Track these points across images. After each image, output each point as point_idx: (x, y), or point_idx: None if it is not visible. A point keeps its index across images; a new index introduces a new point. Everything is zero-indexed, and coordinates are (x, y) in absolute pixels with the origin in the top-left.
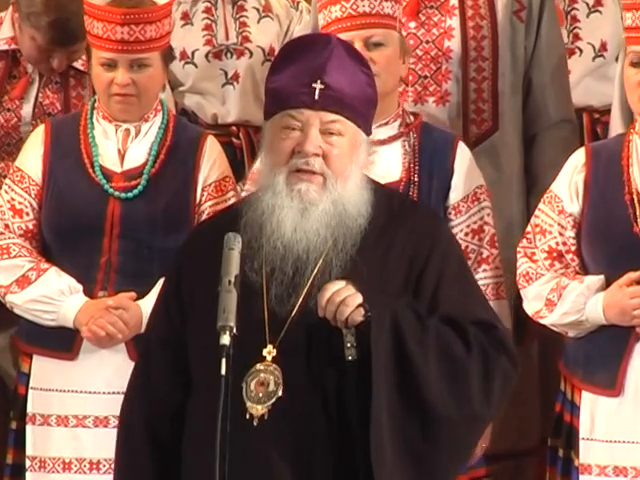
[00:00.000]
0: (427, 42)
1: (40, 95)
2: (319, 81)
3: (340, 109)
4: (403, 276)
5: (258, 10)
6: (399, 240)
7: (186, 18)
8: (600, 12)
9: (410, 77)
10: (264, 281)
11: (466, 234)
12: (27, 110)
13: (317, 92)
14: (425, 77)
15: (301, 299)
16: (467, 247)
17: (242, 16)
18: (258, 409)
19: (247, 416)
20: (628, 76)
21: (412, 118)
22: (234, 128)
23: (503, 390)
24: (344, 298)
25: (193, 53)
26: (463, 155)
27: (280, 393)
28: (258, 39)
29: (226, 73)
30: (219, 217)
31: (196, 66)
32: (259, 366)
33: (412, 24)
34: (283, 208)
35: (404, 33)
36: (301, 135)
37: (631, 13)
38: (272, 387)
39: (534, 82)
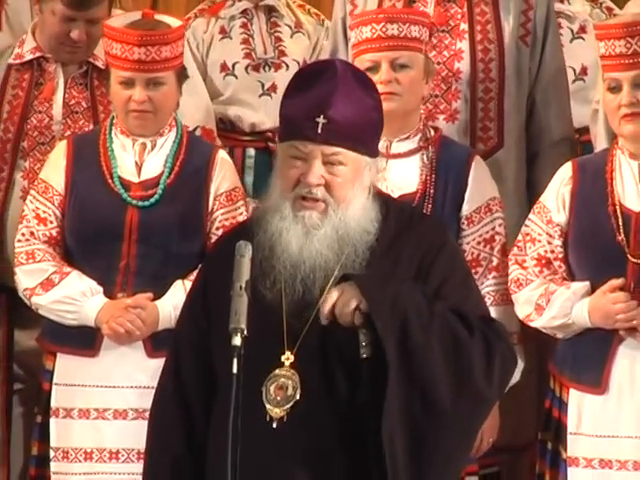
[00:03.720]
0: (438, 63)
1: (66, 96)
2: (322, 116)
3: (342, 142)
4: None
5: (290, 26)
6: (407, 250)
7: (224, 32)
8: (583, 39)
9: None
10: (278, 298)
11: (478, 243)
12: (57, 110)
13: (320, 126)
14: (436, 96)
15: (314, 313)
16: (479, 255)
17: (276, 31)
18: (277, 412)
19: (267, 418)
20: (607, 101)
21: (432, 132)
22: (270, 134)
23: (503, 374)
24: (341, 307)
25: (234, 65)
26: (478, 168)
27: (298, 396)
28: (293, 53)
29: (263, 84)
30: (236, 231)
31: (236, 77)
32: (278, 371)
33: None
34: (289, 231)
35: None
36: (305, 166)
37: (604, 42)
38: (290, 391)
39: (537, 103)
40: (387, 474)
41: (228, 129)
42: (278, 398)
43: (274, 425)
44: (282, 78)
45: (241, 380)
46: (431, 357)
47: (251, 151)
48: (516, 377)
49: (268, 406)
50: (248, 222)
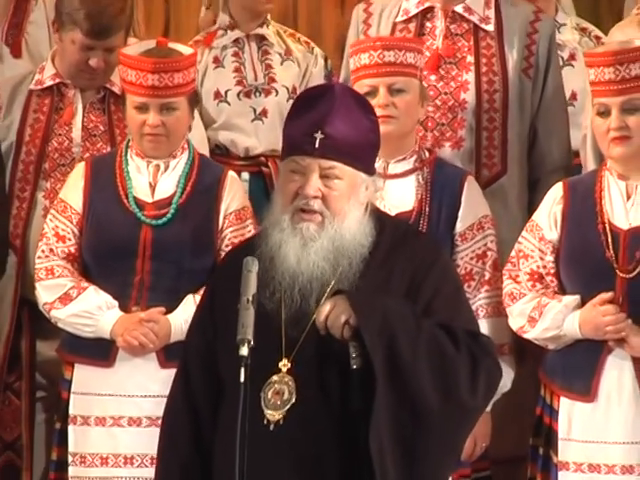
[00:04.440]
0: (445, 93)
1: (85, 120)
2: (320, 131)
3: (338, 156)
4: (404, 295)
5: (280, 54)
6: (401, 264)
7: (217, 62)
8: (573, 65)
9: (429, 124)
10: (277, 307)
11: (471, 258)
12: (76, 133)
13: (317, 141)
14: (442, 124)
15: (310, 322)
16: (472, 270)
17: (267, 59)
18: (274, 415)
19: (265, 422)
20: (597, 125)
21: (427, 154)
22: (263, 158)
23: (488, 386)
24: (332, 321)
25: (226, 92)
26: (471, 188)
27: (294, 401)
28: (282, 79)
29: (255, 110)
30: (243, 246)
31: (229, 104)
32: (275, 377)
33: (433, 77)
34: (288, 243)
35: (425, 84)
36: (303, 179)
37: (594, 69)
38: (287, 396)
39: (539, 132)
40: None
41: (224, 154)
42: (277, 402)
43: (271, 428)
44: (272, 103)
45: (248, 388)
46: (418, 370)
47: (245, 175)
48: (507, 386)
49: (266, 410)
50: (254, 238)
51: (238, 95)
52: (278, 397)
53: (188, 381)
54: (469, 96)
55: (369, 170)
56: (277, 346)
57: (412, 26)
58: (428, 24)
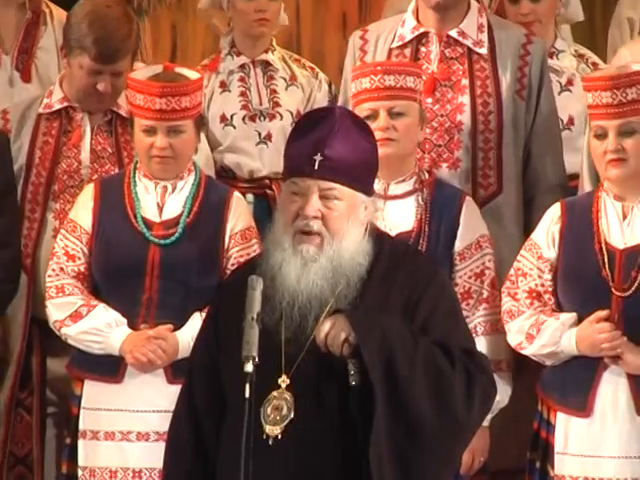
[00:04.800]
0: (442, 116)
1: (93, 142)
2: (319, 154)
3: (337, 178)
4: (402, 313)
5: (285, 79)
6: (399, 282)
7: (224, 86)
8: (570, 91)
9: (427, 145)
10: (277, 325)
11: (469, 277)
12: (84, 156)
13: (317, 163)
14: (439, 146)
15: (309, 340)
16: (470, 288)
17: (272, 84)
18: (273, 430)
19: (264, 436)
20: (594, 147)
21: (426, 175)
22: (267, 181)
23: (483, 403)
24: (332, 338)
25: (232, 116)
26: (469, 208)
27: (292, 416)
28: (287, 104)
29: (259, 133)
30: (246, 266)
31: (234, 127)
32: (274, 393)
33: (429, 100)
34: (289, 263)
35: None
36: (303, 200)
37: (591, 93)
38: (285, 411)
39: (533, 152)
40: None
41: (229, 176)
42: (276, 417)
43: (270, 442)
44: (277, 127)
45: (252, 404)
46: (415, 388)
47: (250, 197)
48: (505, 401)
49: (265, 425)
50: (256, 258)
51: (243, 119)
52: (277, 412)
53: (192, 397)
54: (465, 118)
55: (368, 191)
56: (276, 363)
57: (407, 51)
58: (423, 49)
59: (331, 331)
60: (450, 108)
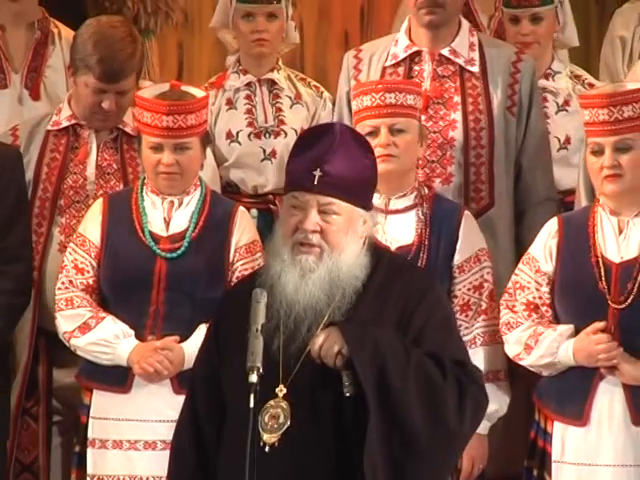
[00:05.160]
0: (434, 132)
1: (99, 159)
2: (319, 169)
3: (335, 193)
4: (396, 324)
5: (290, 97)
6: (394, 294)
7: (230, 104)
8: (567, 111)
9: (420, 161)
10: (275, 334)
11: (468, 289)
12: (90, 172)
13: (316, 178)
14: (433, 161)
15: (306, 350)
16: (469, 300)
17: (277, 102)
18: (270, 438)
19: (261, 444)
20: (590, 163)
21: (426, 190)
22: (271, 196)
23: (474, 413)
24: (326, 350)
25: (237, 133)
26: (468, 222)
27: (288, 424)
28: (291, 122)
29: (264, 150)
30: (249, 279)
31: (240, 144)
32: (272, 402)
33: (422, 117)
34: (287, 273)
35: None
36: (302, 214)
37: (588, 110)
38: (282, 420)
39: (524, 167)
40: None
41: (234, 191)
42: (274, 426)
43: (267, 450)
44: (281, 144)
45: (256, 413)
46: (407, 399)
47: (254, 212)
48: (503, 410)
49: (262, 433)
50: (259, 270)
51: (249, 136)
52: (274, 421)
53: (195, 406)
54: (457, 134)
55: (366, 206)
56: (274, 372)
57: (401, 70)
58: (416, 67)
59: (324, 343)
60: (443, 125)
